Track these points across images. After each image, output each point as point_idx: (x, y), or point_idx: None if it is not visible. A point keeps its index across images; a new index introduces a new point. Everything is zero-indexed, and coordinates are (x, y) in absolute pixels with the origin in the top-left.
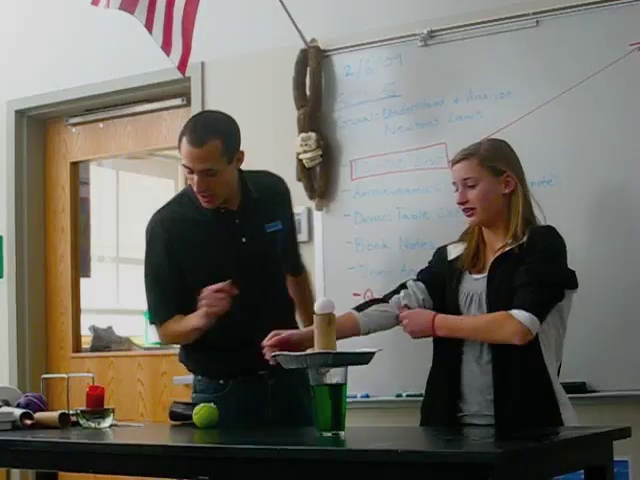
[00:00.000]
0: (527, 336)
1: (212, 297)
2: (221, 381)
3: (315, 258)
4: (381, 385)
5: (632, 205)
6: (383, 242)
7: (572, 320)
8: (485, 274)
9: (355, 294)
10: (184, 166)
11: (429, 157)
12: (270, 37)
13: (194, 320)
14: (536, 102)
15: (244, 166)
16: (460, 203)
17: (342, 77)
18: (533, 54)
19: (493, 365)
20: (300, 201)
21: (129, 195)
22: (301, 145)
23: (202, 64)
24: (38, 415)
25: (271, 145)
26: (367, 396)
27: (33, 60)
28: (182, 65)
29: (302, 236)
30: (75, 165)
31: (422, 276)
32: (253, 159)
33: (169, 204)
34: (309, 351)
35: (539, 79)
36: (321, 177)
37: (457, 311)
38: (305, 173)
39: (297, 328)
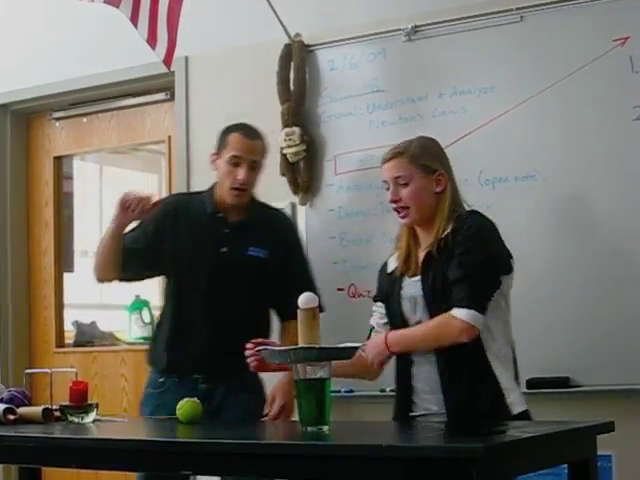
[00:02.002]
0: (473, 332)
1: (126, 198)
2: (161, 379)
3: None
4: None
5: (615, 199)
6: (367, 237)
7: (555, 315)
8: (418, 277)
9: (339, 289)
10: (233, 157)
11: None
12: (254, 32)
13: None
14: (520, 97)
15: None
16: (393, 201)
17: (326, 72)
18: (517, 49)
19: (436, 361)
20: (284, 196)
21: (113, 190)
22: (285, 140)
23: (186, 58)
24: (21, 410)
25: None
26: (351, 391)
27: (16, 54)
28: (168, 59)
29: None
30: (59, 159)
31: (378, 298)
32: None
33: (183, 193)
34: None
35: (523, 74)
36: (305, 172)
37: (403, 317)
38: (289, 168)
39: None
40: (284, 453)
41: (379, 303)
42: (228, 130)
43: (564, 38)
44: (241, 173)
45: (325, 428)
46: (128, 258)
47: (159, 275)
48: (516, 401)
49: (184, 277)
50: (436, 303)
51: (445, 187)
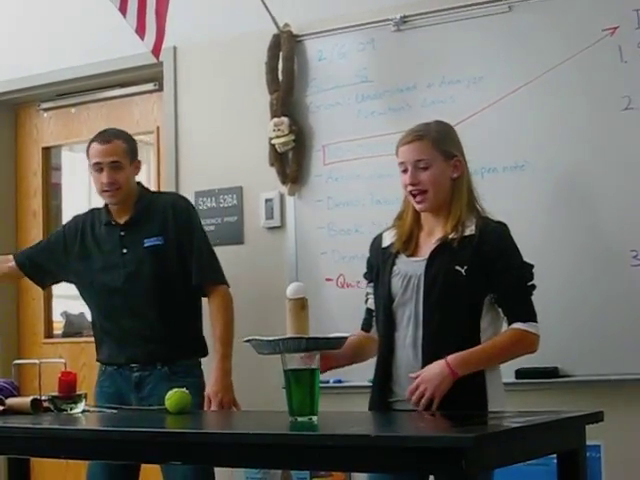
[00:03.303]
0: (539, 342)
1: None
2: (102, 368)
3: (287, 243)
4: (354, 370)
5: (605, 189)
6: (355, 227)
7: (544, 306)
8: (424, 257)
9: (328, 279)
10: (94, 165)
11: None
12: (243, 22)
13: None
14: (509, 87)
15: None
16: (412, 184)
17: (315, 62)
18: (506, 40)
19: (423, 350)
20: (272, 186)
21: None
22: (274, 130)
23: (174, 49)
24: (10, 401)
25: (243, 130)
26: (340, 381)
27: (3, 45)
28: (156, 49)
29: (274, 221)
30: (47, 150)
31: (369, 277)
32: (225, 144)
33: (87, 213)
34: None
35: (512, 64)
36: (293, 162)
37: (389, 293)
38: (278, 158)
39: (182, 340)
40: (274, 443)
41: (372, 284)
42: (89, 143)
43: (553, 28)
44: (104, 177)
45: (314, 418)
46: (33, 271)
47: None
48: (496, 400)
49: (100, 285)
50: (435, 289)
51: (461, 173)
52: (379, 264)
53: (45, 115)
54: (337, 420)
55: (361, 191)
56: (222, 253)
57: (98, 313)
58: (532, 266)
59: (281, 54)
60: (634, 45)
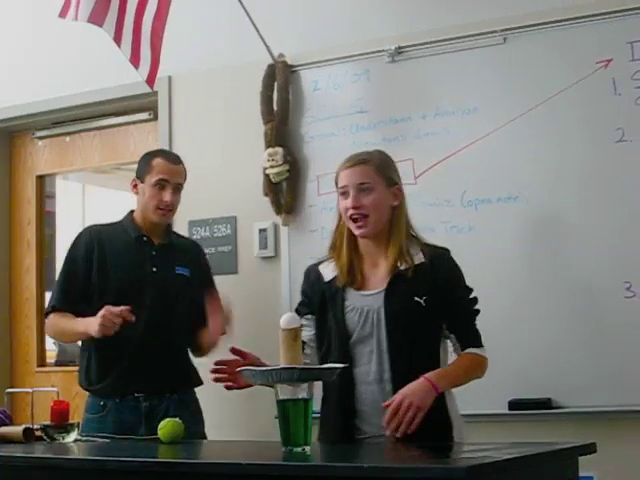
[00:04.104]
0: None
1: (110, 317)
2: (101, 402)
3: (282, 273)
4: None
5: (598, 220)
6: None
7: (537, 337)
8: (377, 290)
9: None
10: (159, 180)
11: None
12: (238, 52)
13: (86, 327)
14: (503, 119)
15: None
16: (354, 207)
17: (310, 92)
18: (500, 71)
19: (393, 384)
20: (267, 216)
21: (95, 209)
22: (268, 160)
23: (169, 78)
24: (2, 429)
25: (238, 160)
26: None
27: None
28: (150, 79)
29: (268, 251)
30: (41, 178)
31: (306, 309)
32: (220, 173)
33: (101, 223)
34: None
35: (506, 96)
36: (288, 192)
37: (345, 329)
38: (272, 188)
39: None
40: (268, 473)
41: (309, 316)
42: (150, 156)
43: (547, 60)
44: (167, 195)
45: (307, 448)
46: (69, 296)
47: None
48: (459, 435)
49: (116, 299)
50: (399, 322)
51: (400, 202)
52: (325, 299)
53: (40, 143)
54: (329, 450)
55: None
56: (216, 282)
57: (105, 340)
58: (472, 289)
59: (276, 84)
60: (628, 77)
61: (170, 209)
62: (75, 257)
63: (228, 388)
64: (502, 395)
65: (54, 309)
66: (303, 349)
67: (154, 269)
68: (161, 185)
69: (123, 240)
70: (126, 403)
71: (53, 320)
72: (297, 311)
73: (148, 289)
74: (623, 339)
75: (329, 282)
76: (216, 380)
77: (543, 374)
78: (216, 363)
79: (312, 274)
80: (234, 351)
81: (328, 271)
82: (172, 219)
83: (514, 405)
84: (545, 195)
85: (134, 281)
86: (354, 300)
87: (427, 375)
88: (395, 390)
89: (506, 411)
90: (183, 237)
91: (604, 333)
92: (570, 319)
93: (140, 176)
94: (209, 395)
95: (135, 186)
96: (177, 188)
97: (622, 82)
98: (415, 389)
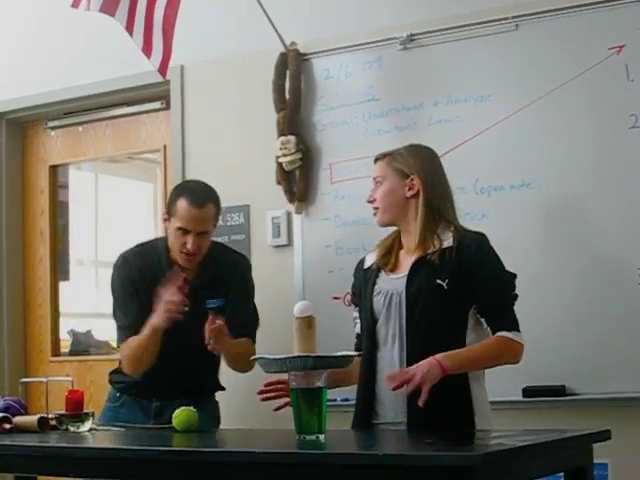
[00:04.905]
0: (523, 352)
1: (171, 305)
2: (118, 394)
3: (295, 261)
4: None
5: (611, 207)
6: (363, 246)
7: (551, 324)
8: (403, 274)
9: (335, 297)
10: (179, 227)
11: None
12: (250, 40)
13: (151, 324)
14: (515, 106)
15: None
16: (369, 201)
17: (322, 80)
18: (512, 58)
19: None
20: (279, 204)
21: (108, 198)
22: (280, 148)
23: (182, 67)
24: (17, 419)
25: (250, 148)
26: (347, 400)
27: (11, 63)
28: (163, 68)
29: (281, 240)
30: (54, 168)
31: (356, 301)
32: (232, 162)
33: (141, 246)
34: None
35: (518, 83)
36: (300, 180)
37: (372, 312)
38: (284, 176)
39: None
40: (282, 461)
41: (357, 308)
42: (178, 193)
43: (559, 46)
44: (189, 242)
45: (322, 436)
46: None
47: None
48: (483, 422)
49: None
50: (418, 305)
51: (417, 192)
52: (361, 286)
53: (52, 134)
54: (344, 438)
55: (368, 209)
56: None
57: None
58: (515, 275)
59: (288, 72)
60: None
61: (194, 254)
62: (125, 293)
63: (277, 409)
64: (516, 382)
65: (125, 339)
66: (359, 342)
67: (186, 308)
68: (184, 231)
69: (159, 274)
70: (139, 400)
71: (126, 347)
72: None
73: (180, 327)
74: (637, 325)
75: (367, 268)
76: (264, 400)
77: (557, 361)
78: (266, 385)
79: (359, 265)
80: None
81: (370, 259)
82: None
83: (528, 392)
84: (558, 182)
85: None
86: (382, 284)
87: (440, 356)
88: None
89: (520, 398)
90: (229, 255)
91: (618, 319)
92: (583, 305)
93: (168, 213)
94: (223, 383)
95: (165, 220)
96: (202, 233)
97: (635, 68)
98: (420, 364)
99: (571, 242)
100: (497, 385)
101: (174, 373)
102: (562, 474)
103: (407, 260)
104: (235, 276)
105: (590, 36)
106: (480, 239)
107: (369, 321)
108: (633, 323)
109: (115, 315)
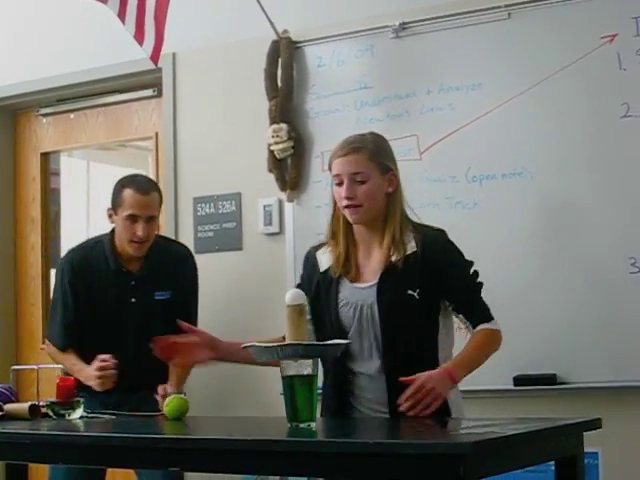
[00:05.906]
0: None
1: (105, 373)
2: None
3: (286, 249)
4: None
5: (603, 196)
6: None
7: (542, 312)
8: (370, 283)
9: None
10: (129, 215)
11: (401, 149)
12: (242, 28)
13: (86, 377)
14: (507, 94)
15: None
16: (347, 198)
17: (314, 68)
18: (505, 46)
19: (387, 379)
20: (271, 192)
21: (100, 186)
22: (272, 136)
23: (173, 55)
24: (8, 406)
25: (242, 136)
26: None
27: (3, 50)
28: (155, 55)
29: (273, 228)
30: (46, 156)
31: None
32: (224, 150)
33: (83, 247)
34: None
35: (511, 71)
36: (292, 168)
37: (339, 323)
38: (276, 164)
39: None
40: (273, 449)
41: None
42: (122, 186)
43: (552, 35)
44: (139, 229)
45: (313, 424)
46: (71, 332)
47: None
48: (456, 406)
49: (100, 330)
50: (392, 317)
51: (396, 188)
52: (319, 290)
53: (44, 121)
54: (334, 426)
55: None
56: (220, 259)
57: (91, 349)
58: (473, 263)
59: (280, 60)
60: (633, 53)
61: (144, 241)
62: (65, 290)
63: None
64: (507, 371)
65: (61, 349)
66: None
67: (133, 300)
68: (132, 219)
69: (104, 271)
70: (97, 395)
71: (59, 357)
72: None
73: (129, 320)
74: (628, 314)
75: (324, 272)
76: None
77: (548, 350)
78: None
79: (310, 261)
80: (187, 329)
81: (324, 259)
82: (147, 248)
83: (519, 381)
84: (550, 171)
85: (115, 313)
86: (348, 293)
87: (445, 365)
88: (390, 385)
89: (511, 387)
90: (171, 246)
91: (609, 308)
92: (574, 294)
93: (113, 207)
94: (215, 372)
95: (110, 215)
96: (150, 219)
97: (627, 57)
98: (436, 376)
99: (562, 231)
100: (488, 374)
101: (129, 367)
102: (553, 462)
103: (368, 267)
104: (179, 269)
105: (582, 25)
106: (442, 238)
107: (338, 332)
108: (624, 311)
109: (54, 309)
